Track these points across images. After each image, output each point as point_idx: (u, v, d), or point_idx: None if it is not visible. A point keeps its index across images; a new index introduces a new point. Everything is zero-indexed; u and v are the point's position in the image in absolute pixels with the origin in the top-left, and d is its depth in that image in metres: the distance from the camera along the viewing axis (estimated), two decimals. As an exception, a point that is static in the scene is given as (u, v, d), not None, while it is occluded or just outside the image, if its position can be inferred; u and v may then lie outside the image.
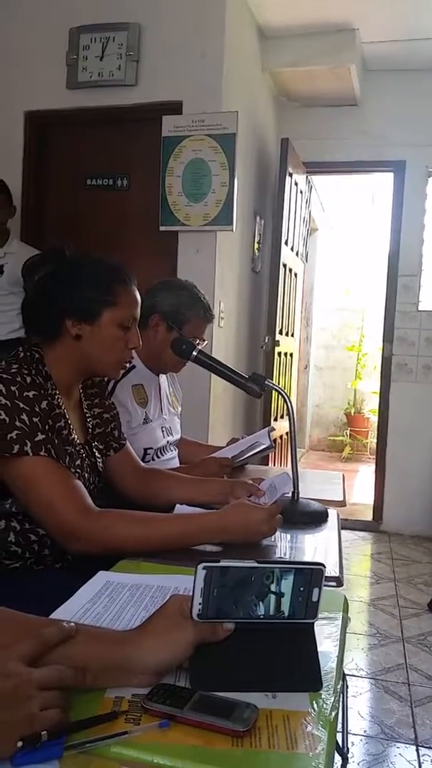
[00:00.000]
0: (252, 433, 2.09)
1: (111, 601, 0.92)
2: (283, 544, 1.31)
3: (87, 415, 1.43)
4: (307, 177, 4.67)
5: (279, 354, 4.17)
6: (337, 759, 1.58)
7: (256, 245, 3.96)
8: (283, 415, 4.29)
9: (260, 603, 0.74)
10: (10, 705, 0.59)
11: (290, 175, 4.01)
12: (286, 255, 4.15)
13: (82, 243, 3.25)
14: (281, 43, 3.86)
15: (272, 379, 3.33)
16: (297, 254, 4.57)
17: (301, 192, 4.49)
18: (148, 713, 0.66)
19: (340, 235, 7.39)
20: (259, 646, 0.75)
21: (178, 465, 1.91)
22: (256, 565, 0.74)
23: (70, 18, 3.29)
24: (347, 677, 2.16)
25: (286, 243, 4.09)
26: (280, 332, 4.16)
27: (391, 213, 4.37)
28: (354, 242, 7.36)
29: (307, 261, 5.44)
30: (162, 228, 3.21)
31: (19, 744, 0.57)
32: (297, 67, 3.91)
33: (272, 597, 0.75)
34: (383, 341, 4.41)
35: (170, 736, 0.63)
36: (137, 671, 0.70)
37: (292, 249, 4.34)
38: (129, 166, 3.40)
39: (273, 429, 2.28)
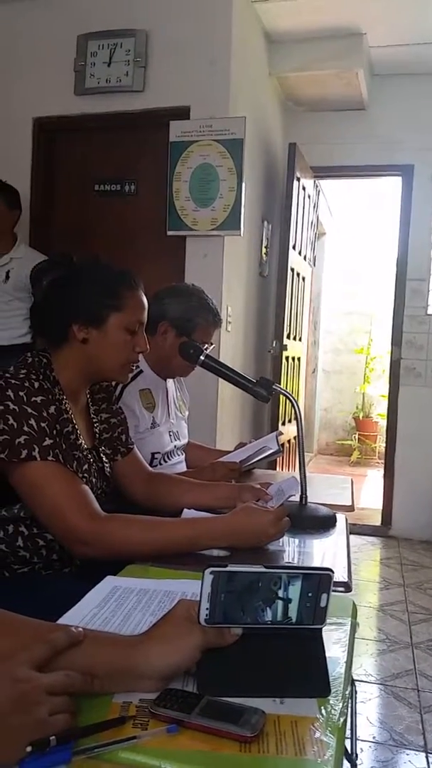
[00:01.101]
0: (260, 438, 2.09)
1: (118, 606, 0.92)
2: (291, 549, 1.30)
3: (94, 420, 1.43)
4: (314, 181, 4.68)
5: (287, 358, 4.17)
6: (346, 765, 1.57)
7: (263, 250, 3.97)
8: (290, 419, 4.28)
9: (267, 608, 0.74)
10: (19, 710, 0.59)
11: (298, 179, 4.01)
12: (294, 259, 4.15)
13: (90, 248, 3.29)
14: (288, 48, 3.87)
15: (280, 384, 3.33)
16: (305, 258, 4.57)
17: (309, 196, 4.49)
18: (155, 718, 0.66)
19: (348, 240, 7.38)
20: (267, 651, 0.75)
21: (185, 469, 1.91)
22: (263, 570, 0.74)
23: (78, 25, 3.32)
24: (356, 683, 2.15)
25: (293, 247, 4.09)
26: (288, 336, 4.16)
27: (399, 217, 4.36)
28: (362, 246, 7.35)
29: (315, 265, 5.44)
30: (169, 233, 3.22)
31: (28, 749, 0.57)
32: (304, 71, 3.91)
33: (279, 603, 0.74)
34: (392, 345, 4.40)
35: (178, 742, 0.63)
36: (145, 676, 0.70)
37: (299, 253, 4.34)
38: (137, 172, 3.41)
39: (281, 433, 2.27)
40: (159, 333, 1.84)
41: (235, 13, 3.17)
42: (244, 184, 3.12)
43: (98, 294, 1.33)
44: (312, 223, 4.77)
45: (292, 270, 4.14)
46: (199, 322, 1.86)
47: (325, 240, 6.99)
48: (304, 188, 4.25)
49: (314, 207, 4.83)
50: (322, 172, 4.53)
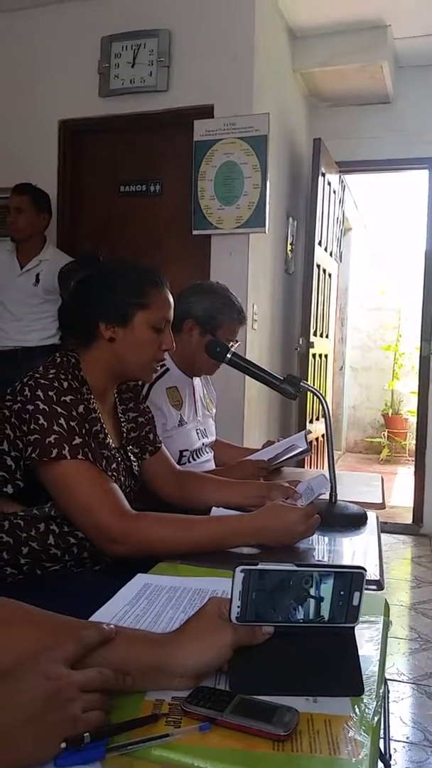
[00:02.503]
0: (288, 436, 2.07)
1: (150, 603, 0.93)
2: (322, 548, 1.29)
3: (122, 419, 1.44)
4: (340, 176, 4.64)
5: (313, 355, 4.14)
6: (380, 766, 1.56)
7: (289, 246, 3.94)
8: (318, 417, 4.25)
9: (299, 607, 0.74)
10: (53, 707, 0.60)
11: (323, 175, 3.98)
12: (320, 255, 4.12)
13: (116, 249, 3.31)
14: (312, 43, 3.84)
15: (307, 381, 3.31)
16: (331, 254, 4.53)
17: (334, 192, 4.45)
18: (188, 716, 0.66)
19: (374, 234, 7.31)
20: (299, 650, 0.74)
21: (213, 467, 1.90)
22: (294, 568, 0.73)
23: (102, 27, 3.34)
24: (388, 682, 2.12)
25: (319, 243, 4.06)
26: (315, 333, 4.13)
27: (426, 210, 4.30)
28: (389, 241, 7.27)
29: (341, 261, 5.39)
30: (195, 232, 3.22)
31: (63, 745, 0.58)
32: (328, 66, 3.88)
33: (311, 601, 0.74)
34: (421, 340, 4.34)
35: (211, 740, 0.63)
36: (177, 674, 0.70)
37: (325, 249, 4.31)
38: (162, 172, 3.42)
39: (309, 432, 2.26)
40: (184, 331, 1.84)
41: (257, 9, 3.15)
42: (268, 181, 3.11)
43: (124, 292, 1.33)
44: (338, 218, 4.73)
45: (318, 266, 4.11)
46: (223, 320, 1.86)
47: (351, 235, 6.93)
48: (329, 183, 4.22)
49: (340, 202, 4.79)
50: (347, 167, 4.49)
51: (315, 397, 1.64)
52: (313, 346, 4.06)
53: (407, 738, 1.98)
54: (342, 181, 4.83)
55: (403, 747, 1.93)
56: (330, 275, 4.60)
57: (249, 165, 3.11)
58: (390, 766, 1.79)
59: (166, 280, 1.40)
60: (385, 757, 1.57)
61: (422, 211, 4.41)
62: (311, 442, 3.90)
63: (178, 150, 3.32)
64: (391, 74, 3.97)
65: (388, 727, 1.69)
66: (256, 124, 3.09)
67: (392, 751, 1.88)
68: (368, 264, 7.37)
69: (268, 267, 3.56)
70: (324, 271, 4.33)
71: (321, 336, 4.39)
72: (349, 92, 4.18)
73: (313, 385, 4.03)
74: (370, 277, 7.39)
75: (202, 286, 1.96)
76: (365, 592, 0.75)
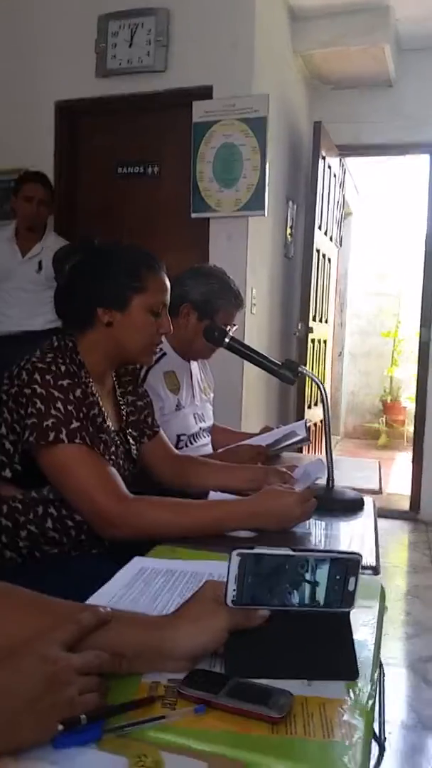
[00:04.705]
0: (287, 424, 2.07)
1: (146, 586, 0.93)
2: (318, 532, 1.30)
3: (121, 402, 1.44)
4: (340, 160, 4.59)
5: (312, 341, 4.13)
6: (374, 748, 1.57)
7: (288, 230, 3.92)
8: (317, 402, 4.25)
9: (295, 591, 0.74)
10: (51, 689, 0.60)
11: (323, 158, 3.94)
12: (320, 240, 4.10)
13: (113, 232, 3.29)
14: (313, 24, 3.78)
15: (306, 366, 3.30)
16: (331, 239, 4.51)
17: (335, 175, 4.42)
18: (183, 698, 0.66)
19: (375, 219, 7.26)
20: (294, 633, 0.74)
21: (210, 451, 1.90)
22: (290, 553, 0.74)
23: (98, 5, 3.28)
24: (384, 666, 2.14)
25: (319, 228, 4.04)
26: (314, 318, 4.12)
27: (427, 195, 4.27)
28: (390, 226, 7.22)
29: (341, 246, 5.36)
30: (193, 215, 3.19)
31: (60, 727, 0.58)
32: (329, 48, 3.82)
33: (307, 586, 0.74)
34: (420, 326, 4.33)
35: (206, 722, 0.63)
36: (172, 656, 0.70)
37: (325, 234, 4.28)
38: (160, 153, 3.39)
39: (309, 420, 2.25)
40: (181, 315, 1.83)
41: (258, -12, 3.10)
42: (268, 163, 3.08)
43: (121, 277, 1.33)
44: (338, 202, 4.69)
45: (318, 251, 4.08)
46: (221, 304, 1.85)
47: (351, 220, 6.88)
48: (329, 167, 4.18)
49: (340, 186, 4.75)
50: (348, 151, 4.45)
51: (313, 383, 1.64)
52: (312, 331, 4.05)
53: (402, 721, 2.00)
54: (342, 165, 4.79)
55: (399, 730, 1.96)
56: (329, 260, 4.58)
57: (248, 146, 3.08)
58: (385, 748, 1.81)
59: (163, 264, 1.39)
60: (380, 740, 1.59)
61: (423, 195, 4.38)
62: (309, 427, 3.91)
63: (176, 131, 3.28)
64: (393, 57, 3.92)
65: (384, 710, 1.71)
66: (255, 105, 3.06)
67: (387, 734, 1.90)
68: (368, 249, 7.33)
69: (267, 251, 3.54)
70: (324, 255, 4.30)
71: (320, 321, 4.38)
72: (350, 75, 4.13)
73: (312, 370, 4.03)
74: (371, 262, 7.36)
75: (200, 270, 1.95)
76: (361, 576, 0.75)
